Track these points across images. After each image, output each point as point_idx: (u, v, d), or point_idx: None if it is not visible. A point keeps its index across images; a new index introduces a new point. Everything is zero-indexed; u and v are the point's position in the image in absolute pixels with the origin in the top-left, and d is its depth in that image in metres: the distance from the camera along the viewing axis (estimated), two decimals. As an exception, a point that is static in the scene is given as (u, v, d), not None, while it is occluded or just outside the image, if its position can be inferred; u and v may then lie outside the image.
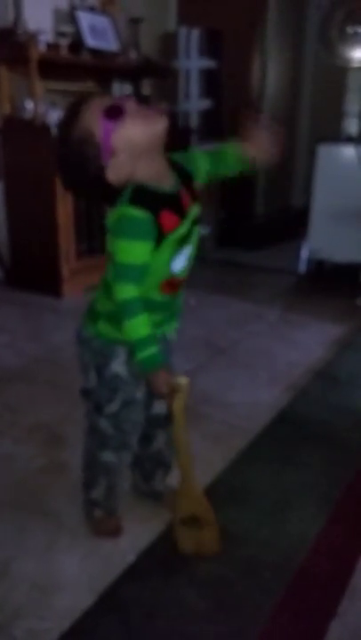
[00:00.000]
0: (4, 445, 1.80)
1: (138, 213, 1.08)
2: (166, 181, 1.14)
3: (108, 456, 1.33)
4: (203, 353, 2.53)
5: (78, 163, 1.10)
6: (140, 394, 1.29)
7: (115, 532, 1.41)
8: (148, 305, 1.14)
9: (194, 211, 1.19)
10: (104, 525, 1.41)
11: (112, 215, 1.11)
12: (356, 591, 1.28)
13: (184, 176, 1.19)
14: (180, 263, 1.18)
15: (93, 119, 1.07)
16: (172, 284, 1.20)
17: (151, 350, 1.13)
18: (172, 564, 1.33)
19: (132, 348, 1.15)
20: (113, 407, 1.27)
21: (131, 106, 1.08)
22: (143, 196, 1.10)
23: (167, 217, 1.11)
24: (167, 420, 1.39)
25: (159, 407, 1.37)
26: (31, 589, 1.25)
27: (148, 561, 1.33)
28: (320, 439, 1.87)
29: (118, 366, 1.24)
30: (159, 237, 1.10)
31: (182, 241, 1.16)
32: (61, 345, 2.55)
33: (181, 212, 1.14)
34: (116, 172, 1.10)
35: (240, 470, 1.70)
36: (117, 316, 1.17)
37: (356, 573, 1.33)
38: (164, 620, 1.18)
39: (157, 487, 1.49)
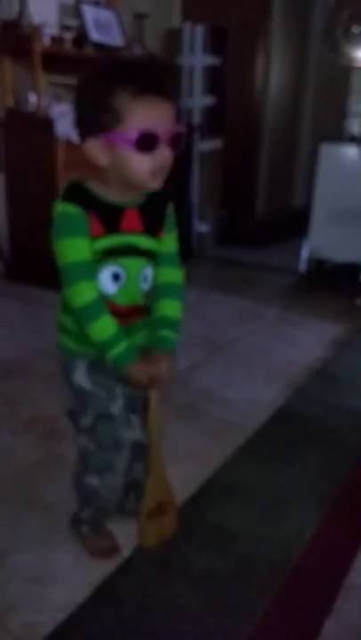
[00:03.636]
0: (2, 438, 1.80)
1: (70, 208, 1.05)
2: (119, 196, 1.09)
3: (90, 479, 1.26)
4: (201, 350, 2.53)
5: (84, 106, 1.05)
6: (115, 409, 1.21)
7: (111, 551, 1.33)
8: None
9: (142, 241, 1.13)
10: (97, 544, 1.34)
11: (52, 214, 1.08)
12: (352, 589, 1.28)
13: (157, 211, 1.15)
14: (106, 283, 1.12)
15: (135, 116, 0.99)
16: (113, 311, 1.12)
17: (120, 348, 1.11)
18: (166, 559, 1.33)
19: (101, 348, 1.12)
20: (87, 421, 1.21)
21: (162, 154, 1.02)
22: (76, 192, 1.07)
23: (93, 221, 1.06)
24: (143, 447, 1.31)
25: (135, 434, 1.30)
26: (27, 582, 1.25)
27: (144, 556, 1.33)
28: (317, 437, 1.88)
29: (79, 378, 1.20)
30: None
31: (107, 255, 1.09)
32: (60, 339, 2.55)
33: (111, 226, 1.09)
34: (90, 148, 1.05)
35: (237, 467, 1.70)
36: (77, 324, 1.14)
37: (351, 571, 1.33)
38: (159, 615, 1.18)
39: (127, 506, 1.42)
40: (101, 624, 1.16)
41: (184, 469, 1.62)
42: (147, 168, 1.03)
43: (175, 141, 1.04)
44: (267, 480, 1.64)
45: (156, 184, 1.07)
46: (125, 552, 1.34)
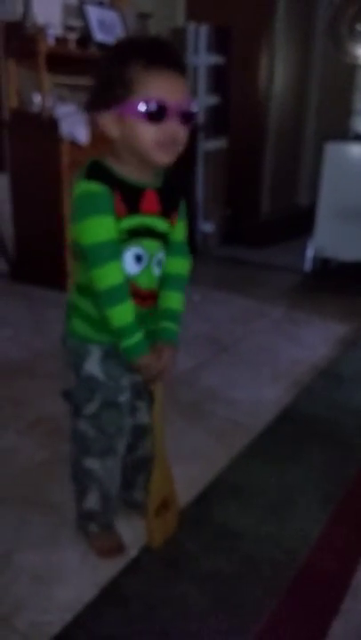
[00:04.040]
0: (8, 438, 1.81)
1: (95, 187, 1.05)
2: (138, 175, 1.10)
3: (91, 463, 1.26)
4: (206, 349, 2.53)
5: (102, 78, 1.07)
6: (122, 398, 1.22)
7: (117, 550, 1.33)
8: None
9: (158, 223, 1.14)
10: (104, 543, 1.34)
11: (73, 194, 1.08)
12: (359, 589, 1.27)
13: (171, 196, 1.16)
14: (129, 264, 1.12)
15: (146, 86, 1.01)
16: (135, 293, 1.14)
17: (136, 338, 1.12)
18: (173, 559, 1.33)
19: (117, 334, 1.12)
20: (91, 408, 1.21)
21: (170, 126, 1.03)
22: (100, 171, 1.07)
23: (117, 200, 1.07)
24: (149, 428, 1.31)
25: (141, 418, 1.32)
26: (33, 581, 1.25)
27: (151, 556, 1.33)
28: (324, 437, 1.87)
29: (92, 366, 1.19)
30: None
31: (129, 235, 1.10)
32: (66, 339, 2.55)
33: (133, 207, 1.09)
34: (104, 121, 1.06)
35: (242, 467, 1.70)
36: (93, 313, 1.14)
37: (358, 571, 1.32)
38: (166, 615, 1.18)
39: (136, 496, 1.42)
40: (108, 624, 1.16)
41: (189, 469, 1.62)
42: (153, 138, 1.04)
43: (186, 117, 1.05)
44: (272, 480, 1.64)
45: (164, 158, 1.07)
46: (132, 552, 1.34)
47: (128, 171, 1.10)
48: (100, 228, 1.05)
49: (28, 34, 2.97)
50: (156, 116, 1.02)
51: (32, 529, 1.41)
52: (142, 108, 1.01)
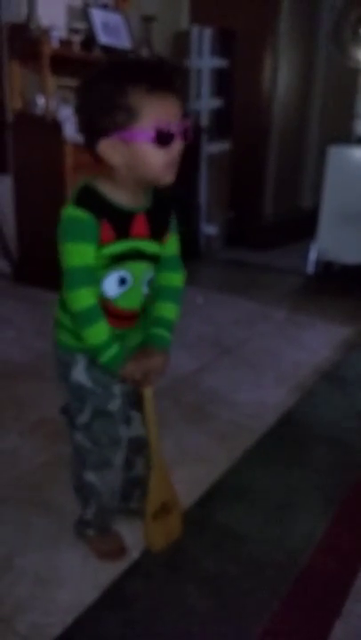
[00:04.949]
0: (9, 439, 1.81)
1: (82, 214, 1.05)
2: (130, 199, 1.11)
3: (89, 476, 1.26)
4: (209, 352, 2.53)
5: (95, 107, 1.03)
6: (113, 407, 1.22)
7: (118, 552, 1.34)
8: None
9: (148, 246, 1.14)
10: (105, 546, 1.34)
11: (62, 215, 1.09)
12: (361, 593, 1.27)
13: (162, 216, 1.17)
14: (112, 287, 1.14)
15: (151, 112, 1.00)
16: (112, 314, 1.15)
17: (112, 351, 1.12)
18: (175, 561, 1.33)
19: (94, 352, 1.13)
20: (83, 418, 1.22)
21: (176, 147, 1.04)
22: (90, 198, 1.07)
23: (105, 227, 1.07)
24: (145, 444, 1.31)
25: (136, 429, 1.31)
26: (35, 584, 1.25)
27: (152, 558, 1.33)
28: (326, 440, 1.87)
29: (79, 374, 1.21)
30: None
31: (115, 260, 1.11)
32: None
33: (122, 232, 1.10)
34: (104, 148, 1.04)
35: (246, 470, 1.69)
36: (73, 325, 1.15)
37: (360, 573, 1.32)
38: (167, 617, 1.18)
39: (132, 506, 1.43)
40: (110, 626, 1.15)
41: (193, 471, 1.62)
42: (162, 162, 1.04)
43: (185, 135, 1.06)
44: (275, 482, 1.63)
45: (169, 178, 1.08)
46: (134, 554, 1.34)
47: (121, 195, 1.10)
48: (76, 254, 1.07)
49: (32, 36, 2.98)
50: (166, 140, 1.03)
51: (33, 531, 1.41)
52: (151, 134, 1.01)
